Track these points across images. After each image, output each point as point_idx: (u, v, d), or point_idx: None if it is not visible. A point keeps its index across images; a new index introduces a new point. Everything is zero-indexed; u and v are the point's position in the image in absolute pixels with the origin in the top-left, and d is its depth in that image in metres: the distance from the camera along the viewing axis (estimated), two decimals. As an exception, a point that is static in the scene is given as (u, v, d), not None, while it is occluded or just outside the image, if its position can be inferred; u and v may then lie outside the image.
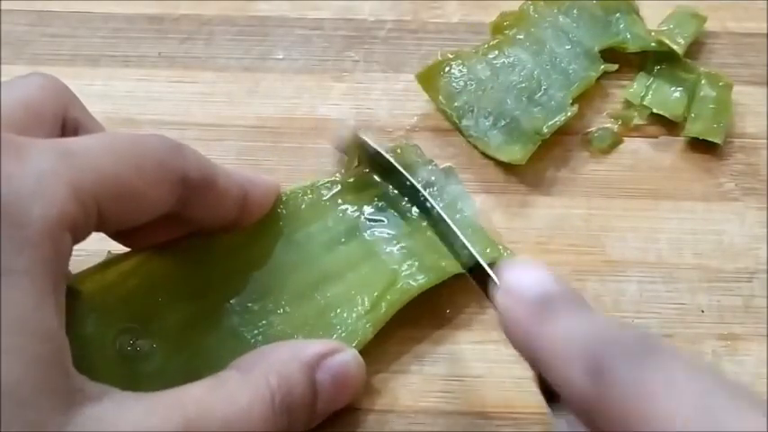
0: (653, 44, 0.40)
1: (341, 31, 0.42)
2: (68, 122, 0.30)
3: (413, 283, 0.33)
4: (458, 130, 0.38)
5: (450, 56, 0.39)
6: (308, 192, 0.35)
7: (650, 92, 0.39)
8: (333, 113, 0.39)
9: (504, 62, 0.39)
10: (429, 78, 0.39)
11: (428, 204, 0.33)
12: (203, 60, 0.41)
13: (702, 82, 0.39)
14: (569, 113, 0.37)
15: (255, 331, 0.32)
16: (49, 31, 0.42)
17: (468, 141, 0.38)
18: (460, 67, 0.39)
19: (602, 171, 0.38)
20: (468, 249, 0.31)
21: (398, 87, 0.40)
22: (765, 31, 0.42)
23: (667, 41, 0.39)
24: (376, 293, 0.32)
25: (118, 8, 0.43)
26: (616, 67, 0.40)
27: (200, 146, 0.38)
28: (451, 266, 0.33)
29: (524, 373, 0.33)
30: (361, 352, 0.31)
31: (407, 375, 0.33)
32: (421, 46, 0.42)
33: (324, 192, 0.35)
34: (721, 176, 0.38)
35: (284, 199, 0.34)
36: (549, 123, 0.37)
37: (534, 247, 0.36)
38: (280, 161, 0.38)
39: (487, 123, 0.37)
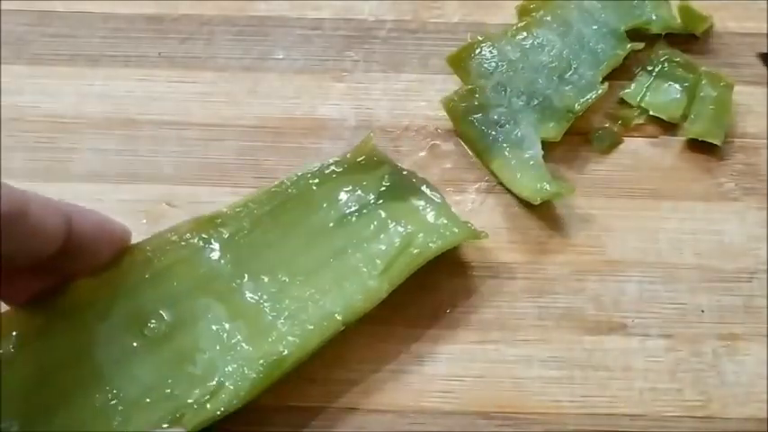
0: (676, 26, 0.41)
1: (341, 31, 0.42)
2: None
3: (431, 245, 0.33)
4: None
5: (480, 38, 0.40)
6: (317, 174, 0.35)
7: (649, 93, 0.39)
8: (333, 113, 0.39)
9: (533, 43, 0.40)
10: (460, 60, 0.39)
11: None
12: (203, 60, 0.41)
13: (703, 82, 0.39)
14: (600, 91, 0.38)
15: (269, 300, 0.32)
16: (49, 31, 0.42)
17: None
18: (491, 49, 0.39)
19: (602, 171, 0.38)
20: None
21: (398, 87, 0.40)
22: (765, 31, 0.42)
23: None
24: (391, 255, 0.33)
25: (118, 8, 0.43)
26: (642, 45, 0.40)
27: (199, 146, 0.38)
28: (465, 233, 0.34)
29: (524, 373, 0.33)
30: (361, 351, 0.32)
31: (407, 375, 0.33)
32: (421, 46, 0.42)
33: (333, 172, 0.35)
34: (721, 176, 0.38)
35: (295, 180, 0.35)
36: (581, 101, 0.38)
37: (534, 247, 0.36)
38: (280, 161, 0.38)
39: (521, 103, 0.38)
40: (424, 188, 0.35)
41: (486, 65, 0.39)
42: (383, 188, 0.35)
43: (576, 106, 0.38)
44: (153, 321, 0.31)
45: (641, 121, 0.39)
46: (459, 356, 0.33)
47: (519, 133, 0.37)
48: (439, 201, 0.35)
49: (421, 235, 0.34)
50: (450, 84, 0.40)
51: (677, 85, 0.40)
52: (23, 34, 0.42)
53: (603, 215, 0.37)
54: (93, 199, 0.36)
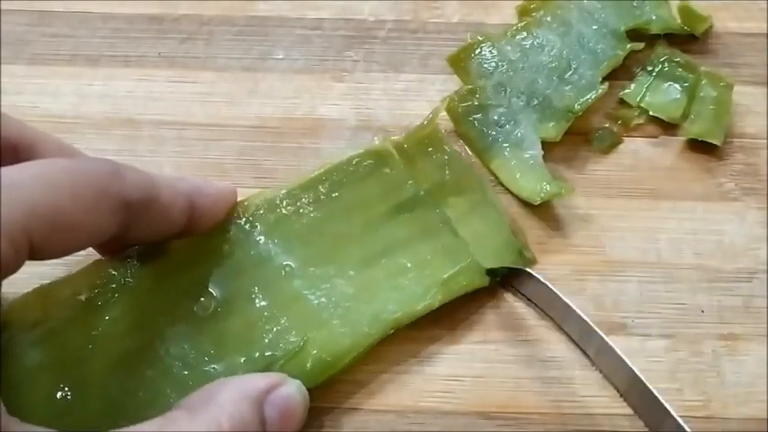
0: (676, 26, 0.41)
1: (341, 31, 0.42)
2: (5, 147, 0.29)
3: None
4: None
5: (481, 38, 0.40)
6: (366, 157, 0.35)
7: (649, 93, 0.39)
8: (333, 113, 0.39)
9: (532, 43, 0.40)
10: (460, 60, 0.39)
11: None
12: (203, 60, 0.41)
13: (703, 82, 0.39)
14: (600, 91, 0.38)
15: (318, 293, 0.32)
16: (49, 31, 0.42)
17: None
18: (491, 49, 0.39)
19: (602, 171, 0.38)
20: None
21: (398, 87, 0.40)
22: (765, 31, 0.42)
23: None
24: (453, 269, 0.33)
25: (118, 8, 0.43)
26: (642, 45, 0.40)
27: (199, 146, 0.38)
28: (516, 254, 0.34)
29: (524, 373, 0.33)
30: (361, 352, 0.32)
31: (407, 375, 0.33)
32: (421, 46, 0.42)
33: (385, 157, 0.35)
34: (721, 176, 0.38)
35: (344, 164, 0.35)
36: (581, 101, 0.38)
37: (534, 247, 0.36)
38: (280, 161, 0.38)
39: (521, 103, 0.38)
40: (486, 186, 0.35)
41: (486, 65, 0.39)
42: (443, 178, 0.35)
43: (576, 106, 0.38)
44: (203, 298, 0.32)
45: (641, 121, 0.39)
46: (459, 356, 0.33)
47: (519, 133, 0.37)
48: (499, 211, 0.35)
49: (480, 249, 0.34)
50: (451, 84, 0.40)
51: (677, 85, 0.40)
52: (23, 34, 0.42)
53: (603, 215, 0.37)
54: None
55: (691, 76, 0.39)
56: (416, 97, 0.40)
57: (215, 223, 0.32)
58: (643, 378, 0.30)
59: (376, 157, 0.35)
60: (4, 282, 0.25)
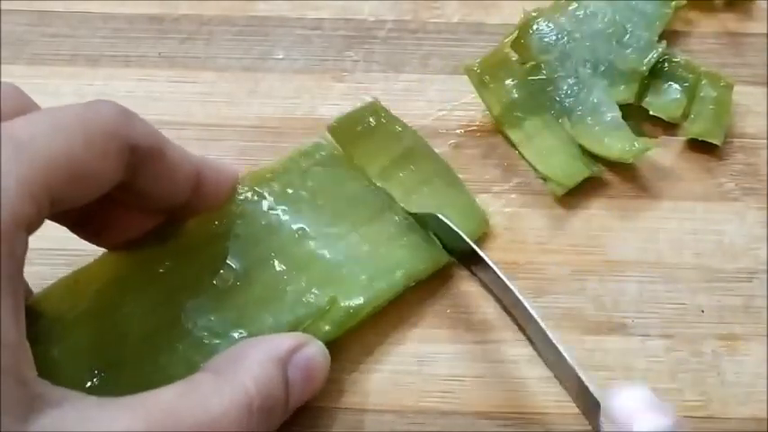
0: None
1: (341, 31, 0.42)
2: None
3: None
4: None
5: (534, 14, 0.40)
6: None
7: (648, 93, 0.39)
8: (333, 113, 0.39)
9: (584, 13, 0.40)
10: (520, 39, 0.40)
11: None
12: (203, 60, 0.41)
13: (703, 82, 0.39)
14: (660, 49, 0.39)
15: (333, 251, 0.33)
16: (49, 31, 0.42)
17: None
18: (547, 23, 0.40)
19: (602, 171, 0.38)
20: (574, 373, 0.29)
21: (398, 87, 0.40)
22: (765, 31, 0.42)
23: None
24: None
25: (118, 8, 0.43)
26: (684, 1, 0.41)
27: (199, 146, 0.38)
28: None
29: (524, 373, 0.33)
30: (360, 351, 0.32)
31: (407, 375, 0.33)
32: (421, 46, 0.42)
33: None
34: (721, 176, 0.38)
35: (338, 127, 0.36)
36: (646, 60, 0.39)
37: (534, 247, 0.36)
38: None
39: (588, 71, 0.39)
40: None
41: (546, 39, 0.40)
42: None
43: (643, 67, 0.39)
44: (222, 271, 0.32)
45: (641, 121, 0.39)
46: (459, 356, 0.33)
47: (594, 99, 0.38)
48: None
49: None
50: (451, 83, 0.40)
51: (677, 85, 0.40)
52: (23, 34, 0.42)
53: (603, 215, 0.37)
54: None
55: (691, 76, 0.39)
56: (416, 97, 0.40)
57: (220, 202, 0.32)
58: (576, 367, 0.29)
59: (373, 112, 0.36)
60: None
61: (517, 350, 0.33)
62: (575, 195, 0.37)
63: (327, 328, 0.31)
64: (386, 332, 0.33)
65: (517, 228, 0.36)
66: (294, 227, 0.33)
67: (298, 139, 0.38)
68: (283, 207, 0.34)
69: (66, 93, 0.40)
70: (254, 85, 0.40)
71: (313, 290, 0.32)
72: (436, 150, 0.38)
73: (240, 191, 0.33)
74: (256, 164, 0.38)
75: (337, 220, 0.34)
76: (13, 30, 0.42)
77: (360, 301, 0.32)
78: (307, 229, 0.33)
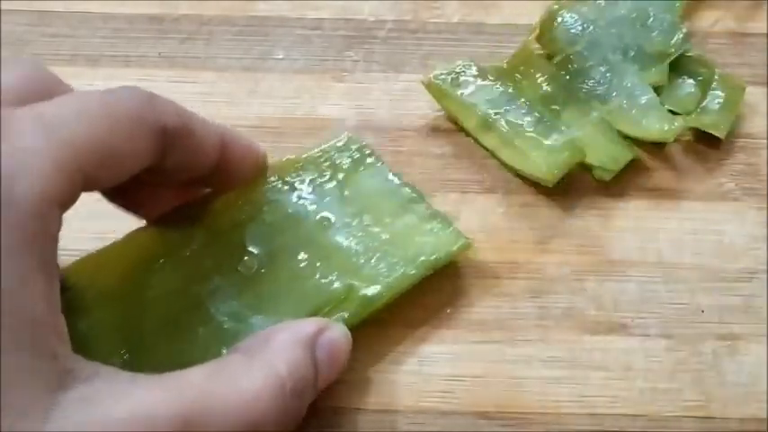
0: None
1: (341, 31, 0.42)
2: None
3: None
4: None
5: (556, 6, 0.40)
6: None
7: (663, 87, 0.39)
8: (333, 113, 0.39)
9: (605, 0, 0.41)
10: (545, 33, 0.40)
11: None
12: (203, 60, 0.41)
13: (716, 78, 0.39)
14: (685, 30, 0.40)
15: (356, 241, 0.33)
16: (49, 31, 0.42)
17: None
18: (571, 14, 0.40)
19: (602, 171, 0.38)
20: None
21: (398, 87, 0.40)
22: (765, 31, 0.42)
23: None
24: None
25: (118, 8, 0.43)
26: None
27: (200, 146, 0.38)
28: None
29: (524, 373, 0.33)
30: (361, 351, 0.32)
31: (407, 375, 0.33)
32: (421, 46, 0.42)
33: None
34: (721, 176, 0.38)
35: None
36: (672, 42, 0.39)
37: (534, 247, 0.36)
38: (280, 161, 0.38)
39: (618, 57, 0.39)
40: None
41: (572, 30, 0.40)
42: None
43: (671, 49, 0.39)
44: (247, 258, 0.32)
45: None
46: (459, 356, 0.33)
47: (628, 84, 0.38)
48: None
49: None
50: (451, 84, 0.40)
51: (691, 80, 0.40)
52: (23, 34, 0.42)
53: (604, 215, 0.37)
54: (93, 199, 0.36)
55: (704, 70, 0.40)
56: (416, 97, 0.40)
57: (246, 175, 0.33)
58: None
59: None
60: None
61: (517, 350, 0.33)
62: (575, 195, 0.37)
63: (345, 316, 0.31)
64: (386, 332, 0.33)
65: (517, 228, 0.36)
66: (319, 216, 0.34)
67: (298, 139, 0.39)
68: (311, 197, 0.34)
69: (66, 93, 0.40)
70: (254, 85, 0.40)
71: (333, 278, 0.32)
72: (437, 150, 0.38)
73: (269, 179, 0.34)
74: (256, 164, 0.38)
75: (361, 211, 0.34)
76: (13, 30, 0.42)
77: (377, 289, 0.32)
78: (331, 219, 0.34)
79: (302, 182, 0.35)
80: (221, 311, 0.31)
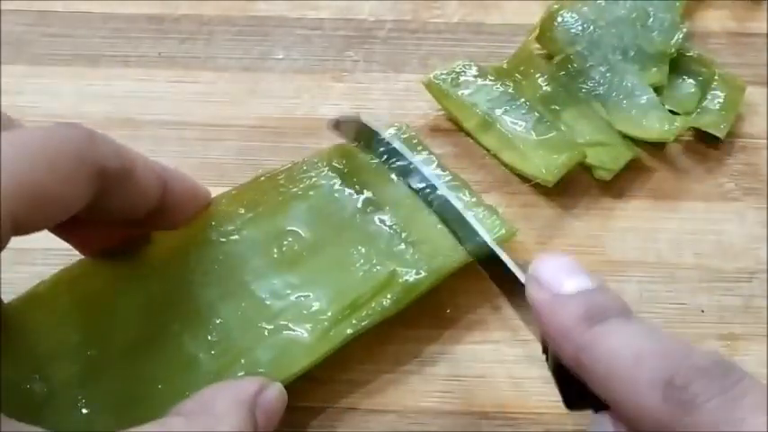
0: None
1: (341, 31, 0.42)
2: None
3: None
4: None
5: (556, 6, 0.40)
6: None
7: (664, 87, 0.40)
8: (333, 113, 0.39)
9: (605, 0, 0.41)
10: (545, 33, 0.40)
11: (432, 187, 0.34)
12: (203, 60, 0.41)
13: (716, 79, 0.39)
14: (685, 30, 0.40)
15: (398, 227, 0.33)
16: (49, 31, 0.42)
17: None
18: (571, 14, 0.40)
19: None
20: (480, 238, 0.31)
21: (398, 87, 0.40)
22: (765, 31, 0.42)
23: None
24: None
25: (118, 8, 0.43)
26: None
27: (199, 146, 0.38)
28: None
29: (524, 373, 0.33)
30: (361, 352, 0.32)
31: (407, 375, 0.33)
32: (421, 46, 0.42)
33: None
34: (721, 176, 0.38)
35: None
36: (673, 42, 0.39)
37: (534, 247, 0.36)
38: (280, 161, 0.38)
39: (618, 57, 0.39)
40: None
41: (572, 30, 0.40)
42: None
43: (672, 48, 0.39)
44: (287, 242, 0.33)
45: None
46: (459, 356, 0.33)
47: (628, 84, 0.38)
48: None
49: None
50: (451, 84, 0.40)
51: (691, 80, 0.40)
52: (23, 34, 0.42)
53: (603, 215, 0.37)
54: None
55: (704, 70, 0.40)
56: (416, 97, 0.40)
57: (187, 219, 0.32)
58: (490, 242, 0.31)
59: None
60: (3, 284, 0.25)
61: (517, 350, 0.33)
62: (575, 195, 0.37)
63: (386, 302, 0.32)
64: (386, 332, 0.33)
65: (517, 227, 0.36)
66: (361, 203, 0.34)
67: (298, 139, 0.39)
68: (354, 185, 0.34)
69: (66, 93, 0.40)
70: (254, 85, 0.40)
71: (376, 263, 0.32)
72: (437, 150, 0.38)
73: (317, 165, 0.35)
74: (256, 164, 0.38)
75: (406, 196, 0.34)
76: (13, 30, 0.42)
77: (421, 275, 0.32)
78: (374, 205, 0.34)
79: (345, 168, 0.35)
80: (263, 288, 0.32)
